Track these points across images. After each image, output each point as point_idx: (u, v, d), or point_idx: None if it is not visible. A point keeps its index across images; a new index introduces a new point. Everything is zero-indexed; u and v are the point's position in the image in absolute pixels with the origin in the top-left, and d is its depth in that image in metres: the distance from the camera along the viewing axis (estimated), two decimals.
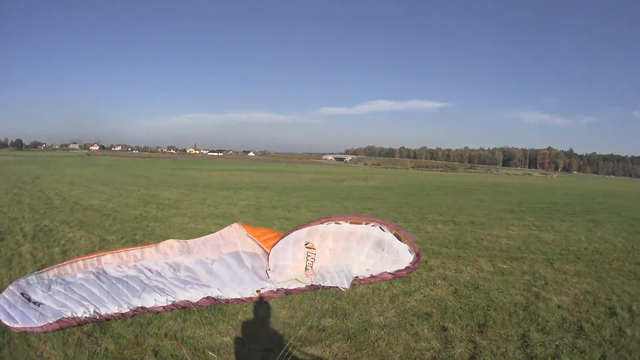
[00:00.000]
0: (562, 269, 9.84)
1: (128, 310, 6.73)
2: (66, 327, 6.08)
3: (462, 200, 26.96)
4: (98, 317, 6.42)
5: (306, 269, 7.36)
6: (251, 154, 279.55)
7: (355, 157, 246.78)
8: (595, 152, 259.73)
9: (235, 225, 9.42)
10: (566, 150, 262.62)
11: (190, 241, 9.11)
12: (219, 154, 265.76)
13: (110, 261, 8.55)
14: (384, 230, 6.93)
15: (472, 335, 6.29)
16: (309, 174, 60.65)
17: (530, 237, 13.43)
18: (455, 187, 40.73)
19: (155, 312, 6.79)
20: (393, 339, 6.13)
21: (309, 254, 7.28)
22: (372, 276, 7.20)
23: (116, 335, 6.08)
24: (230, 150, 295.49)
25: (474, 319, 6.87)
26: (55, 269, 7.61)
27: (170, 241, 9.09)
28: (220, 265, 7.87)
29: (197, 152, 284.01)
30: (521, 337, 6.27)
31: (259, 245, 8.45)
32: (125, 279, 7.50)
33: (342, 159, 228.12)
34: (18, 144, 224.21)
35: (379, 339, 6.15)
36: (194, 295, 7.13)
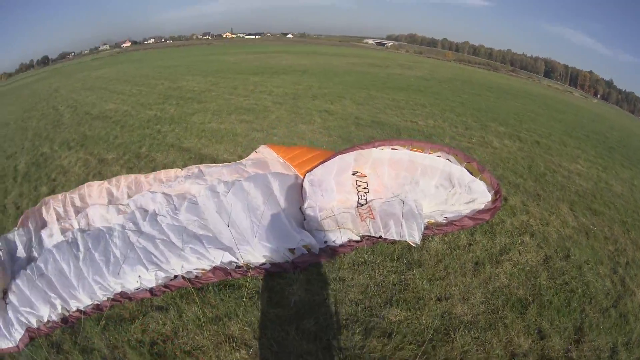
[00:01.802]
0: (638, 242, 7.61)
1: (104, 298, 4.50)
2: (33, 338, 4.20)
3: (516, 108, 23.38)
4: (68, 317, 4.38)
5: (359, 203, 5.67)
6: (290, 36, 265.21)
7: (396, 43, 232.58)
8: (633, 92, 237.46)
9: (261, 148, 7.46)
10: (607, 79, 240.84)
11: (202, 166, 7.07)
12: (257, 37, 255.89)
13: (96, 200, 6.50)
14: (451, 162, 5.56)
15: (569, 346, 4.49)
16: (350, 57, 54.59)
17: (600, 182, 11.04)
18: (504, 91, 35.41)
19: (139, 300, 4.31)
20: (482, 352, 4.16)
21: (359, 182, 5.72)
22: (449, 222, 5.73)
23: (88, 348, 4.05)
24: (268, 33, 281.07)
25: (571, 317, 4.95)
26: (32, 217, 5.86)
27: (173, 171, 6.76)
28: (236, 199, 5.18)
29: (234, 36, 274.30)
30: (611, 352, 4.55)
31: (295, 174, 6.26)
32: (108, 236, 5.04)
33: (383, 44, 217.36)
34: (44, 61, 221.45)
35: (465, 350, 4.13)
36: (194, 263, 4.54)
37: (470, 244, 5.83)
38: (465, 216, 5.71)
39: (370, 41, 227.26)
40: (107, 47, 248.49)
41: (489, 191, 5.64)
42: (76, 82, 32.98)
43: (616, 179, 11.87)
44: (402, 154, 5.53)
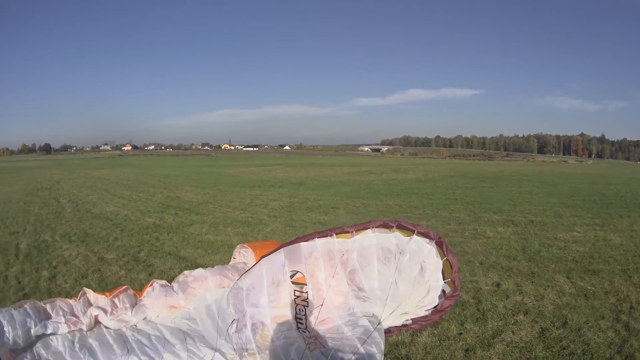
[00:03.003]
0: None
1: None
2: None
3: (510, 193, 25.17)
4: None
5: (298, 323, 4.50)
6: (287, 147, 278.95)
7: (391, 147, 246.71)
8: (626, 138, 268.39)
9: (240, 247, 7.15)
10: (598, 136, 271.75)
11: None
12: (254, 148, 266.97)
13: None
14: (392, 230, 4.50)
15: None
16: (346, 167, 58.92)
17: (598, 241, 12.02)
18: (498, 178, 38.47)
19: None
20: None
21: (298, 293, 4.58)
22: (403, 325, 4.68)
23: None
24: (265, 145, 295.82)
25: None
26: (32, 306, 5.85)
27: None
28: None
29: (232, 147, 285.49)
30: None
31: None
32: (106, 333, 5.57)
33: (378, 150, 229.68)
34: (46, 148, 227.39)
35: None
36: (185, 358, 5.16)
37: (460, 333, 6.06)
38: (416, 317, 4.65)
39: (366, 148, 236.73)
40: (109, 147, 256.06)
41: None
42: (78, 179, 34.58)
43: (614, 232, 12.66)
44: (331, 243, 4.67)
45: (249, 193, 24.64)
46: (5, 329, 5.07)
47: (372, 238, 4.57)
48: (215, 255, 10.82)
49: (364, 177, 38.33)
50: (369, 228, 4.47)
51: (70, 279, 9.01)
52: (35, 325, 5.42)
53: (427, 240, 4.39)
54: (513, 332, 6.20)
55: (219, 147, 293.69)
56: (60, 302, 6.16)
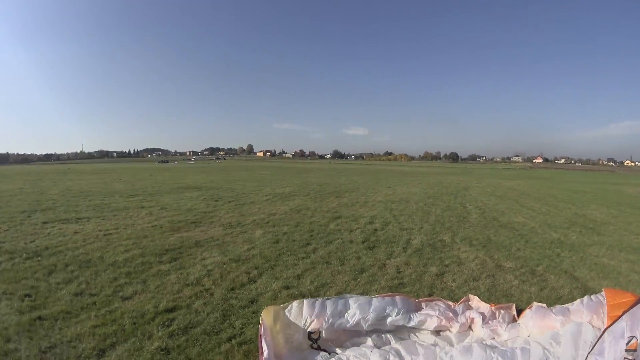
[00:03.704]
0: None
1: None
2: None
3: None
4: None
5: None
6: None
7: None
8: None
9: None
10: None
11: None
12: None
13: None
14: None
15: None
16: None
17: None
18: None
19: None
20: None
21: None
22: None
23: None
24: None
25: None
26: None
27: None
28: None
29: (633, 164, 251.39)
30: None
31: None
32: None
33: None
34: (453, 157, 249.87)
35: None
36: None
37: None
38: None
39: None
40: (520, 159, 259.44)
41: None
42: (487, 187, 36.14)
43: None
44: None
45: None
46: (351, 311, 5.64)
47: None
48: (604, 280, 9.46)
49: None
50: None
51: (460, 279, 9.15)
52: (397, 315, 5.74)
53: None
54: None
55: (622, 163, 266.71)
56: (438, 301, 6.40)
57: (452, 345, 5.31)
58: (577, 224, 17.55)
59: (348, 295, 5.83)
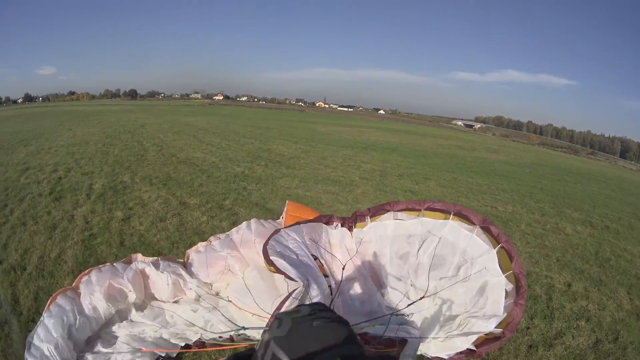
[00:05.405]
0: None
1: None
2: None
3: (592, 193, 23.91)
4: None
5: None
6: (381, 112, 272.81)
7: (484, 125, 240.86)
8: None
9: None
10: None
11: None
12: (349, 109, 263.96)
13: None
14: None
15: None
16: (439, 138, 57.58)
17: None
18: (582, 175, 36.36)
19: None
20: None
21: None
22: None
23: None
24: (360, 106, 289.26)
25: None
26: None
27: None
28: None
29: (327, 105, 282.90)
30: None
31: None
32: None
33: (471, 126, 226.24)
34: (132, 94, 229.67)
35: None
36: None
37: (528, 328, 6.24)
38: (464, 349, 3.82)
39: (459, 122, 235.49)
40: (199, 95, 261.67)
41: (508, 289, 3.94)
42: (164, 124, 35.01)
43: None
44: (388, 225, 4.55)
45: (342, 153, 23.92)
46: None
47: (388, 227, 4.44)
48: None
49: (456, 152, 37.08)
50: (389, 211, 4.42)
51: (147, 221, 8.51)
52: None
53: (467, 224, 4.04)
54: (573, 337, 6.36)
55: (314, 104, 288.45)
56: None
57: None
58: (262, 157, 18.45)
59: None
